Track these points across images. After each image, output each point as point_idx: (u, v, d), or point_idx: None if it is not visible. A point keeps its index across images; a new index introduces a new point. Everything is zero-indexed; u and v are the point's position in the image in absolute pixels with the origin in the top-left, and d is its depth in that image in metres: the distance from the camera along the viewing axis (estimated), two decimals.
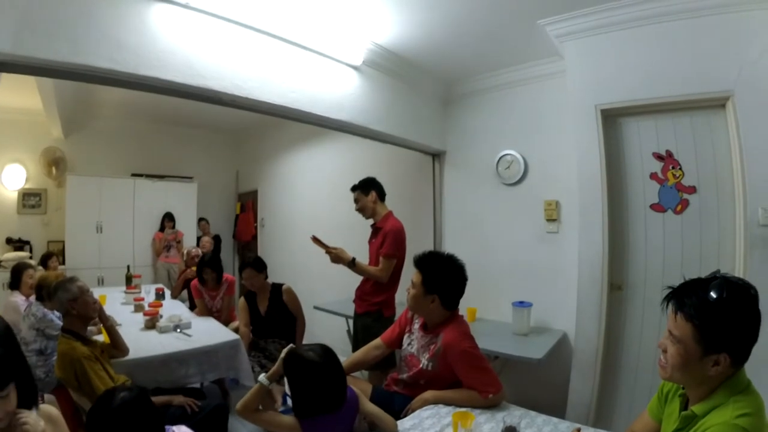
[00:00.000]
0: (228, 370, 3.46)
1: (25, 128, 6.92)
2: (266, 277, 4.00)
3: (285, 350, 2.10)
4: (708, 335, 1.35)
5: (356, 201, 3.71)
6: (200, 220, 8.40)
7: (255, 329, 3.95)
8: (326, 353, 2.01)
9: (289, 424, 1.96)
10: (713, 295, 1.34)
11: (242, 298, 4.02)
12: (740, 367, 1.40)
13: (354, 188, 3.73)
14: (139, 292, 5.10)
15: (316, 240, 3.39)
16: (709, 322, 1.34)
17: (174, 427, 1.76)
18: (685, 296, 1.41)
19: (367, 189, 3.67)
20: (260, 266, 3.94)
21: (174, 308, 4.53)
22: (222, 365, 3.40)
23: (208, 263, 4.63)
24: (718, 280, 1.37)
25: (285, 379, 3.62)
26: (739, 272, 2.81)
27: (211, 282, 4.66)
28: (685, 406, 1.52)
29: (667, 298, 1.47)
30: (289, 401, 3.89)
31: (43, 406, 1.64)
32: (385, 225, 3.56)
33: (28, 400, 1.41)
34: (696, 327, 1.36)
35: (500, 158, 4.37)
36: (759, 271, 2.70)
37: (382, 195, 3.72)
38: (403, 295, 2.82)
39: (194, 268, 5.32)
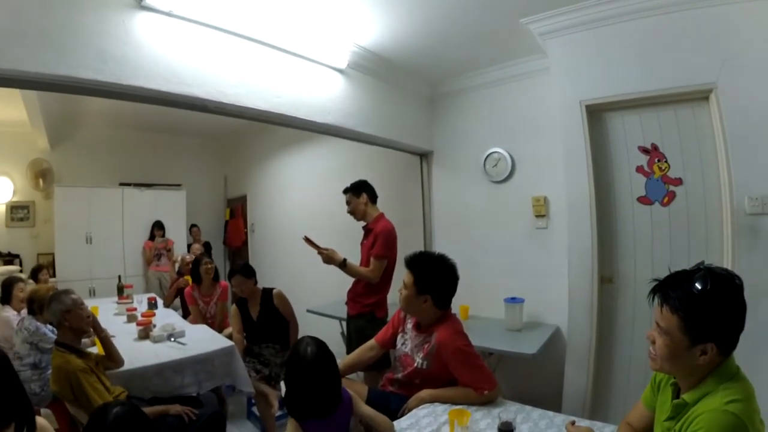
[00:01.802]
0: (224, 377, 3.43)
1: (11, 140, 6.88)
2: (256, 282, 3.99)
3: None
4: (694, 326, 1.37)
5: (348, 203, 3.73)
6: (192, 226, 8.36)
7: (248, 335, 3.94)
8: (322, 354, 1.97)
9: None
10: (698, 286, 1.36)
11: (234, 305, 4.01)
12: (728, 355, 1.42)
13: (346, 191, 3.76)
14: (132, 302, 5.07)
15: (308, 241, 3.40)
16: (694, 313, 1.36)
17: None
18: (670, 289, 1.43)
19: (359, 191, 3.69)
20: (249, 272, 3.93)
21: (167, 317, 4.51)
22: (218, 372, 3.38)
23: (206, 255, 4.74)
24: (702, 271, 1.39)
25: (281, 384, 3.62)
26: (727, 261, 2.85)
27: (208, 279, 4.70)
28: (676, 394, 1.54)
29: (653, 291, 1.49)
30: None
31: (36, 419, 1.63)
32: (376, 226, 3.58)
33: (27, 426, 1.40)
34: (682, 318, 1.38)
35: (487, 156, 4.40)
36: (746, 259, 2.75)
37: (373, 197, 3.74)
38: (395, 296, 2.83)
39: (187, 277, 5.32)
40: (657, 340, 1.46)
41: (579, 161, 3.32)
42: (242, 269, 3.93)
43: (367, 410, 2.12)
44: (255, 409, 3.92)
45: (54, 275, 6.58)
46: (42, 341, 3.32)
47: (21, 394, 1.38)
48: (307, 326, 4.36)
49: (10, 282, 4.14)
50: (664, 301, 1.44)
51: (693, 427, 1.35)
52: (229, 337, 3.98)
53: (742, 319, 1.37)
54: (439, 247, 3.94)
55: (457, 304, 2.67)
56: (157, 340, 3.61)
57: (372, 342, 2.81)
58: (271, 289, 4.00)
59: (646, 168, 3.27)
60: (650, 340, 1.51)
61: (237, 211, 8.96)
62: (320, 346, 2.00)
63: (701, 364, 1.39)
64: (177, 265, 6.36)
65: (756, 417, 1.34)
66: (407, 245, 3.46)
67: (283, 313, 3.95)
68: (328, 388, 1.94)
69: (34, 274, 5.42)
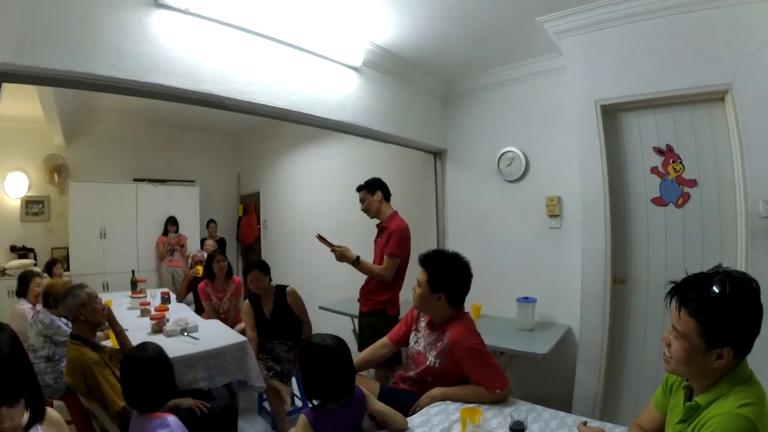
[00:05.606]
0: (237, 373, 3.43)
1: (27, 136, 6.96)
2: (270, 279, 4.00)
3: None
4: (711, 330, 1.36)
5: (362, 201, 3.73)
6: (210, 222, 8.44)
7: (261, 332, 3.95)
8: (340, 342, 2.08)
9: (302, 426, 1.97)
10: (716, 290, 1.36)
11: (247, 301, 4.02)
12: (742, 359, 1.42)
13: (359, 188, 3.76)
14: (145, 297, 5.10)
15: (321, 238, 3.41)
16: (712, 317, 1.36)
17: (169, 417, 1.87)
18: (688, 291, 1.43)
19: (373, 189, 3.69)
20: (265, 268, 3.95)
21: (180, 312, 4.53)
22: (230, 368, 3.38)
23: (220, 252, 4.92)
24: (720, 275, 1.39)
25: (293, 381, 3.64)
26: (740, 264, 2.83)
27: (221, 276, 4.76)
28: (689, 397, 1.54)
29: (671, 293, 1.49)
30: (297, 401, 3.91)
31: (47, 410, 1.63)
32: (390, 224, 3.58)
33: (36, 413, 1.40)
34: (700, 322, 1.38)
35: (501, 155, 4.39)
36: (760, 263, 2.71)
37: (387, 195, 3.75)
38: (408, 294, 2.84)
39: (199, 267, 5.35)
40: (673, 344, 1.46)
41: (593, 161, 3.31)
42: (259, 264, 3.94)
43: (381, 406, 2.14)
44: (266, 404, 3.94)
45: (68, 269, 6.68)
46: (56, 334, 3.36)
47: (31, 375, 1.38)
48: (319, 323, 4.38)
49: (28, 276, 4.20)
50: (681, 304, 1.44)
51: (705, 429, 1.35)
52: (242, 332, 3.99)
53: (758, 323, 1.37)
54: (451, 246, 3.92)
55: (469, 303, 2.67)
56: (170, 334, 3.63)
57: (385, 339, 2.82)
58: (285, 287, 4.00)
59: (660, 169, 3.25)
60: (665, 342, 1.50)
61: (250, 207, 9.00)
62: (336, 337, 2.12)
63: (716, 367, 1.39)
64: (189, 262, 6.41)
65: None
66: (420, 244, 3.46)
67: (296, 312, 3.95)
68: (348, 372, 2.04)
69: (49, 268, 5.48)
